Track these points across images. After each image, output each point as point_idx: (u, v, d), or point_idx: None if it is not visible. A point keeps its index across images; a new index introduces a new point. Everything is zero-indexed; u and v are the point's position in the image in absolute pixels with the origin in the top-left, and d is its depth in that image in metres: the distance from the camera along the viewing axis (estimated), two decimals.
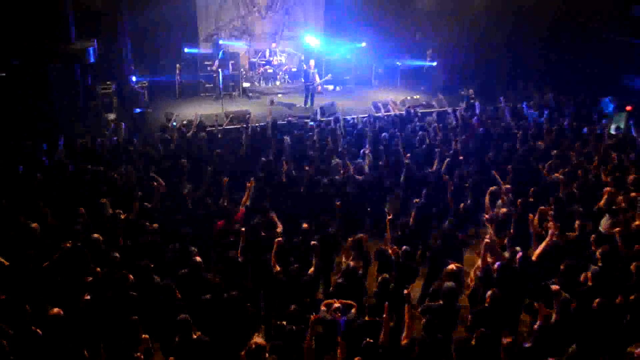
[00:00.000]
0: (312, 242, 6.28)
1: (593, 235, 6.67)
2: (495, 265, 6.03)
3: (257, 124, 11.84)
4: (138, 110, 13.80)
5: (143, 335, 4.80)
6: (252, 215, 7.35)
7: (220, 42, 16.05)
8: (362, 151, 9.77)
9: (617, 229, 6.64)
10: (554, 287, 5.32)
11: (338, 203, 7.44)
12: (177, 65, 15.60)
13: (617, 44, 14.83)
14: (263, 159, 9.25)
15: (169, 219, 7.22)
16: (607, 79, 14.89)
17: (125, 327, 4.98)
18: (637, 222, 6.97)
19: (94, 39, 12.51)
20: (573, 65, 15.71)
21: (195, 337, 5.01)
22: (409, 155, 9.43)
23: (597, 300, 5.25)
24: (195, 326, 5.11)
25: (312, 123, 12.13)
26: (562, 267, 5.95)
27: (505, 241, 6.89)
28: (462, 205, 7.99)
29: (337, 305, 5.41)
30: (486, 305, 5.45)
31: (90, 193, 7.81)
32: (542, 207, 7.31)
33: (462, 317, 5.83)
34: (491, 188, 7.94)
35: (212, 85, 15.80)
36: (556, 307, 5.21)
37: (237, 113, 13.29)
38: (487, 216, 7.58)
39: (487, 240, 6.13)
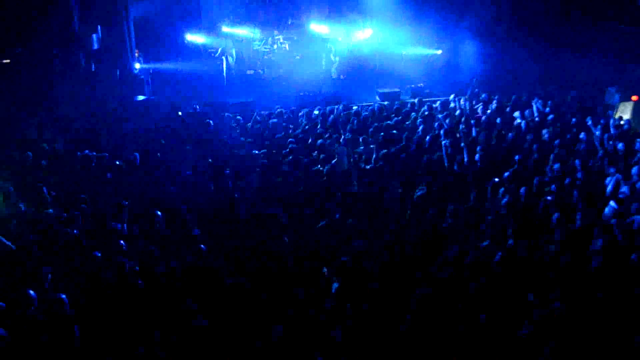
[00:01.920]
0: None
1: (595, 226, 6.66)
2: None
3: (261, 113, 11.84)
4: (141, 97, 13.78)
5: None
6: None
7: (224, 29, 15.96)
8: (360, 139, 9.77)
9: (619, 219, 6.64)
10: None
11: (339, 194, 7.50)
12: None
13: (623, 34, 14.66)
14: (265, 150, 9.28)
15: (174, 205, 7.27)
16: (613, 69, 14.75)
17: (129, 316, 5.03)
18: None
19: (97, 25, 12.48)
20: (579, 55, 15.55)
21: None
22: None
23: (599, 290, 5.27)
24: (200, 314, 5.15)
25: (316, 112, 12.10)
26: (564, 256, 5.97)
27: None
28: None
29: None
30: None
31: (94, 180, 7.86)
32: (546, 198, 7.30)
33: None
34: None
35: (215, 73, 15.75)
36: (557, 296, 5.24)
37: (242, 102, 13.34)
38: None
39: None
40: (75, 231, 6.21)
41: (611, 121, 11.11)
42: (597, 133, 10.37)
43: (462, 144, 9.24)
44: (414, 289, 5.68)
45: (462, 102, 12.51)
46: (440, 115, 11.41)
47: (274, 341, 4.88)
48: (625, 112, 12.69)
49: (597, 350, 4.87)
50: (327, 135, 10.18)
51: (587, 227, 6.72)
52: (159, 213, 6.86)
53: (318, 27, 16.99)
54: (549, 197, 7.28)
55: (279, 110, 11.78)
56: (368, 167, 8.81)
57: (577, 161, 8.74)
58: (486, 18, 16.33)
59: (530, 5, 15.98)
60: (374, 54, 17.28)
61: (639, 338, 4.87)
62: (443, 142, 9.41)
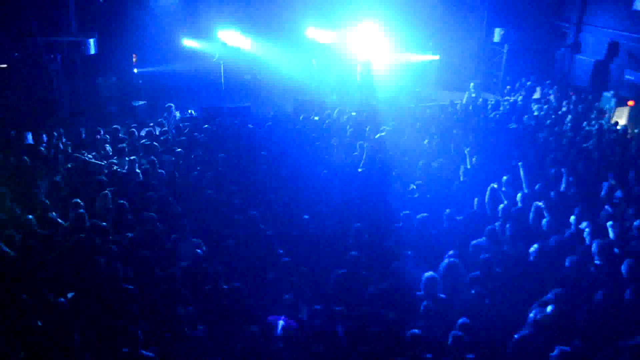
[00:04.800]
0: None
1: (589, 230, 6.67)
2: None
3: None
4: (139, 102, 13.80)
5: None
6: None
7: (221, 34, 16.00)
8: (358, 144, 9.81)
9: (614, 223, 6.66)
10: None
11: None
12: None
13: (619, 39, 14.75)
14: (263, 153, 9.32)
15: (170, 210, 7.27)
16: (609, 74, 14.84)
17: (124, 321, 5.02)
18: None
19: (95, 30, 12.51)
20: (574, 59, 15.67)
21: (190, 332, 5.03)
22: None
23: (595, 294, 5.29)
24: (197, 317, 5.15)
25: (316, 117, 12.12)
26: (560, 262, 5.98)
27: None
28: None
29: None
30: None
31: (91, 184, 7.88)
32: (538, 203, 7.29)
33: None
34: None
35: (213, 78, 15.78)
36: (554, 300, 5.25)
37: (238, 106, 13.41)
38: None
39: None
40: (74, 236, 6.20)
41: (607, 126, 11.18)
42: (594, 137, 10.43)
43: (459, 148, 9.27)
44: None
45: (459, 106, 12.57)
46: (438, 119, 11.47)
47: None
48: (621, 117, 12.75)
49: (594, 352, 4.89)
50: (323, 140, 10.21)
51: (582, 231, 6.74)
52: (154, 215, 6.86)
53: (315, 32, 16.99)
54: (542, 203, 7.27)
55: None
56: (363, 170, 8.84)
57: (573, 165, 8.78)
58: (482, 21, 16.44)
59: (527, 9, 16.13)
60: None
61: (633, 341, 4.89)
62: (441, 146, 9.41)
